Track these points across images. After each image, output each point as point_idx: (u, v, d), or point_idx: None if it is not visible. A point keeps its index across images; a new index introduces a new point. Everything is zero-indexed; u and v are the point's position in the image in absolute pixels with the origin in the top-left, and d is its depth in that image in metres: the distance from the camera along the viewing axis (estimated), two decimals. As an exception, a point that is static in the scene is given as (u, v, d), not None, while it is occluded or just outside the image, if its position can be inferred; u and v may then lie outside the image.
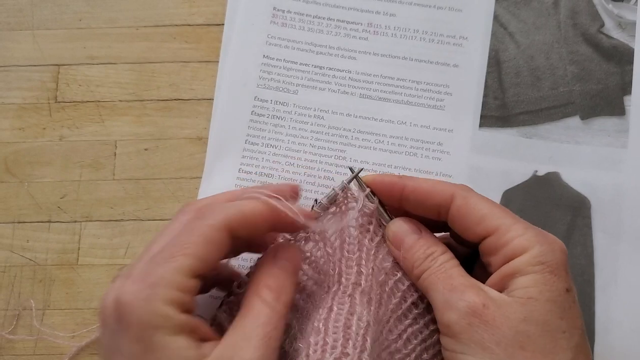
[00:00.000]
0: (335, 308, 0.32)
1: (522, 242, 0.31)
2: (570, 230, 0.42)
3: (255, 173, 0.42)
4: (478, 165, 0.43)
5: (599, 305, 0.41)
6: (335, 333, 0.31)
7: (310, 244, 0.36)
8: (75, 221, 0.43)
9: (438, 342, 0.33)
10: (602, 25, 0.44)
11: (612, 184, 0.42)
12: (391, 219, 0.36)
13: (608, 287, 0.41)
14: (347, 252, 0.35)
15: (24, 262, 0.43)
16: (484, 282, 0.32)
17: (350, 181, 0.36)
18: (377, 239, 0.36)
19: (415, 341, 0.35)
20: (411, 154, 0.43)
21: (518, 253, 0.31)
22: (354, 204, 0.35)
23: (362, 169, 0.37)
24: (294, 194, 0.35)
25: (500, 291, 0.31)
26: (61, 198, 0.44)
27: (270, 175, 0.42)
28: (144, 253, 0.30)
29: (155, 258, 0.28)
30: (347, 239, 0.35)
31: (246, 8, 0.45)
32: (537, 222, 0.41)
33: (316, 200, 0.36)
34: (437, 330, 0.33)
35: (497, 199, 0.42)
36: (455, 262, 0.33)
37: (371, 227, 0.36)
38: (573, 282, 0.31)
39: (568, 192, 0.42)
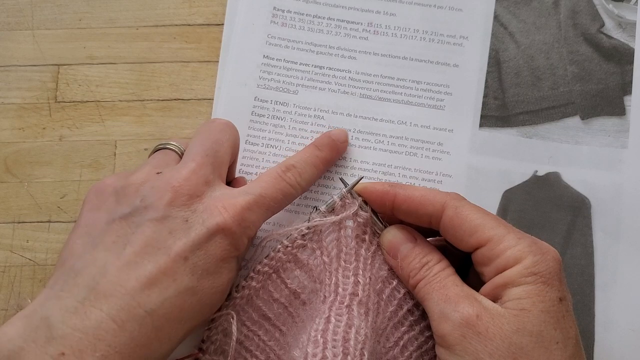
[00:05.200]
0: (333, 319, 0.32)
1: (514, 252, 0.31)
2: (570, 230, 0.42)
3: (256, 174, 0.42)
4: (478, 165, 0.43)
5: (599, 305, 0.41)
6: (334, 347, 0.31)
7: (307, 252, 0.36)
8: (75, 221, 0.43)
9: (434, 347, 0.33)
10: (602, 25, 0.44)
11: (612, 184, 0.42)
12: (385, 227, 0.36)
13: (608, 287, 0.41)
14: (344, 261, 0.35)
15: (24, 262, 0.43)
16: (480, 285, 0.32)
17: (349, 190, 0.36)
18: (373, 247, 0.36)
19: (411, 348, 0.35)
20: (411, 154, 0.43)
21: (511, 264, 0.31)
22: (346, 213, 0.36)
23: (362, 177, 0.37)
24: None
25: (494, 300, 0.31)
26: (61, 198, 0.44)
27: (270, 176, 0.42)
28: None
29: (259, 204, 0.35)
30: (344, 248, 0.36)
31: (246, 8, 0.45)
32: (537, 222, 0.42)
33: (315, 207, 0.37)
34: (433, 337, 0.33)
35: (497, 199, 0.42)
36: (451, 270, 0.34)
37: (366, 237, 0.36)
38: (568, 290, 0.31)
39: (568, 192, 0.42)
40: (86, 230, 0.33)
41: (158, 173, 0.35)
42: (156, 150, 0.39)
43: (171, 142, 0.39)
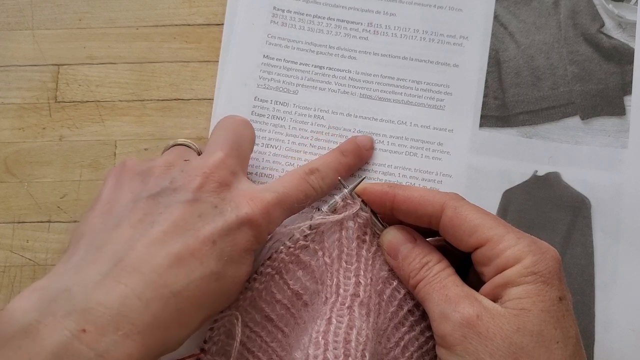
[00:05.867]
0: (334, 321, 0.32)
1: (514, 252, 0.31)
2: (570, 230, 0.42)
3: (256, 174, 0.42)
4: (478, 165, 0.43)
5: (599, 305, 0.41)
6: (335, 349, 0.31)
7: (309, 253, 0.36)
8: (75, 221, 0.43)
9: (435, 348, 0.33)
10: (602, 25, 0.44)
11: (612, 184, 0.42)
12: (385, 227, 0.36)
13: (608, 287, 0.41)
14: (345, 262, 0.35)
15: (23, 262, 0.43)
16: (480, 285, 0.32)
17: (351, 190, 0.36)
18: (374, 248, 0.36)
19: (412, 348, 0.35)
20: (411, 154, 0.43)
21: (510, 264, 0.31)
22: (348, 212, 0.36)
23: (364, 178, 0.37)
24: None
25: (494, 300, 0.31)
26: (61, 198, 0.44)
27: (270, 176, 0.42)
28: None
29: (282, 202, 0.35)
30: (345, 249, 0.35)
31: (246, 8, 0.45)
32: (537, 222, 0.42)
33: (317, 208, 0.37)
34: (433, 337, 0.33)
35: (497, 199, 0.42)
36: (451, 270, 0.34)
37: (367, 237, 0.36)
38: (568, 289, 0.31)
39: (568, 192, 0.42)
40: (108, 207, 0.33)
41: (185, 160, 0.35)
42: (171, 147, 0.39)
43: (187, 140, 0.39)
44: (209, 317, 0.33)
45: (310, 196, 0.37)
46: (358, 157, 0.41)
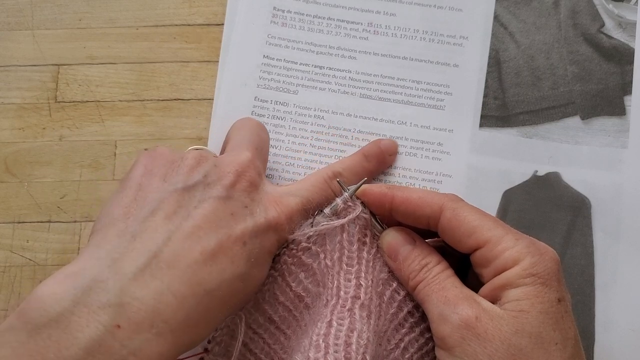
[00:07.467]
0: (335, 323, 0.32)
1: (513, 254, 0.31)
2: (570, 230, 0.42)
3: (255, 174, 0.42)
4: (478, 165, 0.43)
5: (599, 305, 0.41)
6: (336, 352, 0.31)
7: (311, 255, 0.36)
8: (75, 221, 0.43)
9: (434, 349, 0.33)
10: (603, 25, 0.44)
11: (612, 184, 0.42)
12: (384, 229, 0.36)
13: (608, 287, 0.41)
14: (346, 265, 0.35)
15: (24, 262, 0.43)
16: (480, 286, 0.32)
17: (352, 193, 0.36)
18: (374, 250, 0.36)
19: (412, 349, 0.35)
20: (411, 154, 0.43)
21: (509, 265, 0.31)
22: (351, 216, 0.36)
23: (365, 180, 0.37)
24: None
25: (493, 302, 0.31)
26: (61, 198, 0.44)
27: (270, 176, 0.42)
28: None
29: (305, 207, 0.36)
30: (346, 251, 0.35)
31: (246, 8, 0.45)
32: (537, 222, 0.42)
33: (320, 210, 0.36)
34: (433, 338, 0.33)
35: (497, 199, 0.42)
36: (450, 272, 0.33)
37: (367, 239, 0.36)
38: (567, 290, 0.31)
39: (568, 192, 0.42)
40: (141, 194, 0.32)
41: (215, 156, 0.35)
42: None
43: (204, 147, 0.40)
44: (228, 316, 0.33)
45: (329, 200, 0.37)
46: (381, 163, 0.41)
